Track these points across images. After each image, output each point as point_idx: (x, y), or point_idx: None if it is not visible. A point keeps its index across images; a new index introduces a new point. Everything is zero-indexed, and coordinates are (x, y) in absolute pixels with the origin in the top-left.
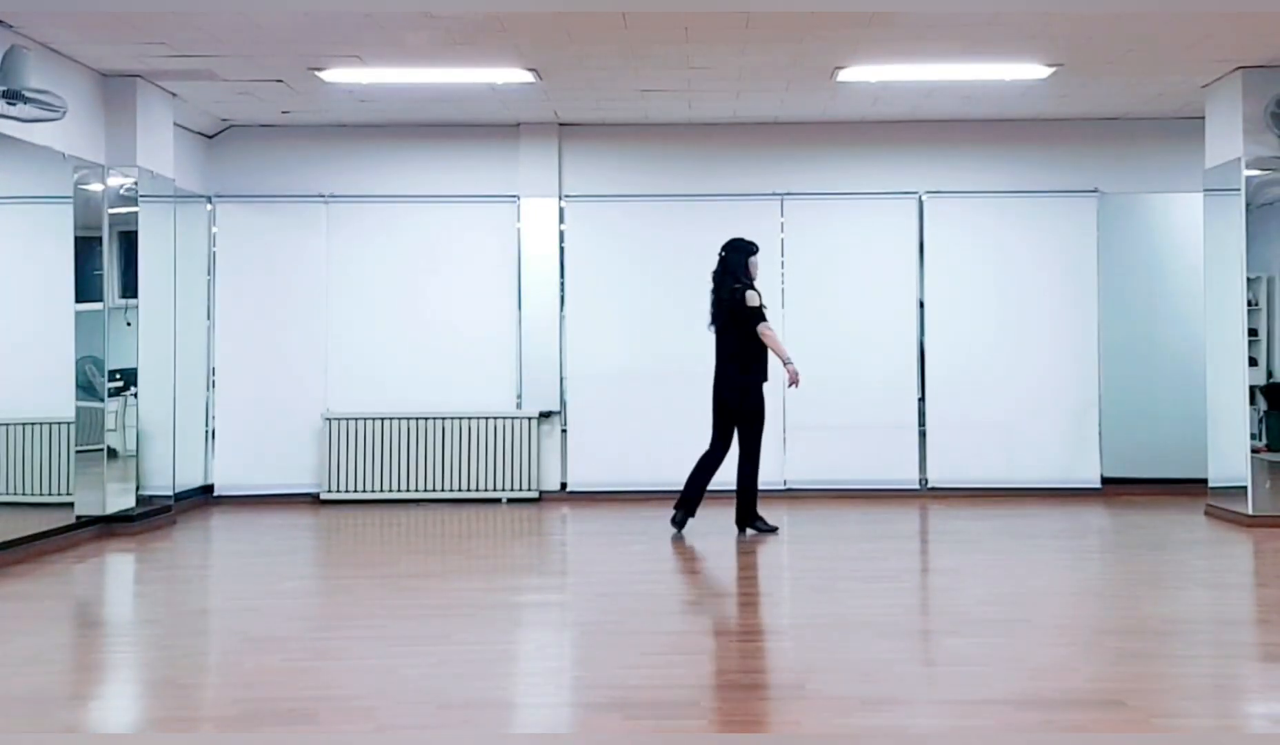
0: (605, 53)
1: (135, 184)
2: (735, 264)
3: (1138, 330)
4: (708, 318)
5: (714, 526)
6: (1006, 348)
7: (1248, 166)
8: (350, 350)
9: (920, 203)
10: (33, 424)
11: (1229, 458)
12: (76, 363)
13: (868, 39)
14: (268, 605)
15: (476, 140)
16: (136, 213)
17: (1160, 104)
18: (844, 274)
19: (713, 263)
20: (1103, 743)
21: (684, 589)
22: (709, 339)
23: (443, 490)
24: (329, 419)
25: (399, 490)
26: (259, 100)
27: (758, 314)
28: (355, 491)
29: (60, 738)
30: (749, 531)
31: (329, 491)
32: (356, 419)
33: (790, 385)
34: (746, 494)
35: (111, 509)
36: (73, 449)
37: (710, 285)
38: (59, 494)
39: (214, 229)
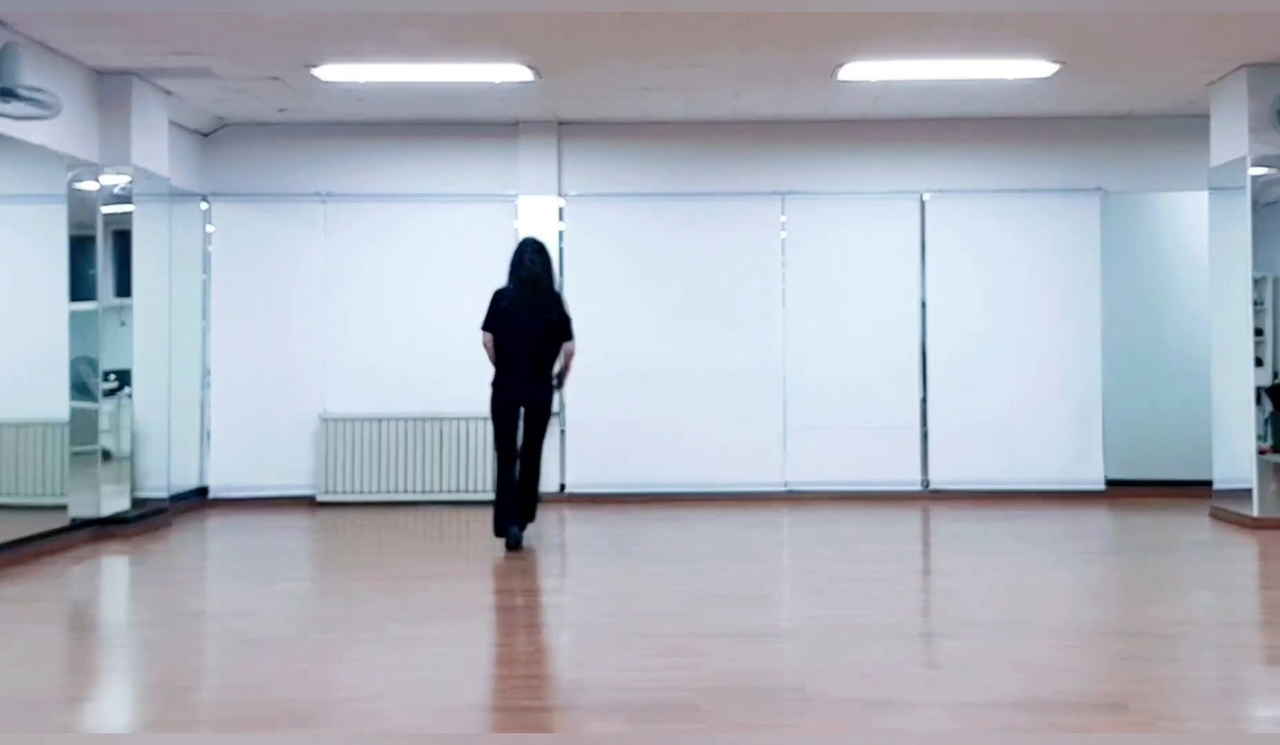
0: (605, 51)
1: (130, 183)
2: (551, 267)
3: (1142, 330)
4: (507, 318)
5: (715, 529)
6: (1009, 348)
7: (1253, 165)
8: (347, 350)
9: (922, 202)
10: (27, 425)
11: (1234, 459)
12: (71, 363)
13: (868, 37)
14: (263, 607)
15: (475, 139)
16: (131, 212)
17: (1164, 102)
18: (845, 274)
19: (712, 262)
20: None
21: (683, 590)
22: (710, 339)
23: (440, 492)
24: (325, 420)
25: (396, 492)
26: (255, 98)
27: (570, 325)
28: (352, 493)
29: (57, 739)
30: (514, 531)
31: (325, 493)
32: (353, 420)
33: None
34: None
35: (106, 511)
36: (67, 450)
37: (515, 283)
38: (53, 496)
39: (209, 228)
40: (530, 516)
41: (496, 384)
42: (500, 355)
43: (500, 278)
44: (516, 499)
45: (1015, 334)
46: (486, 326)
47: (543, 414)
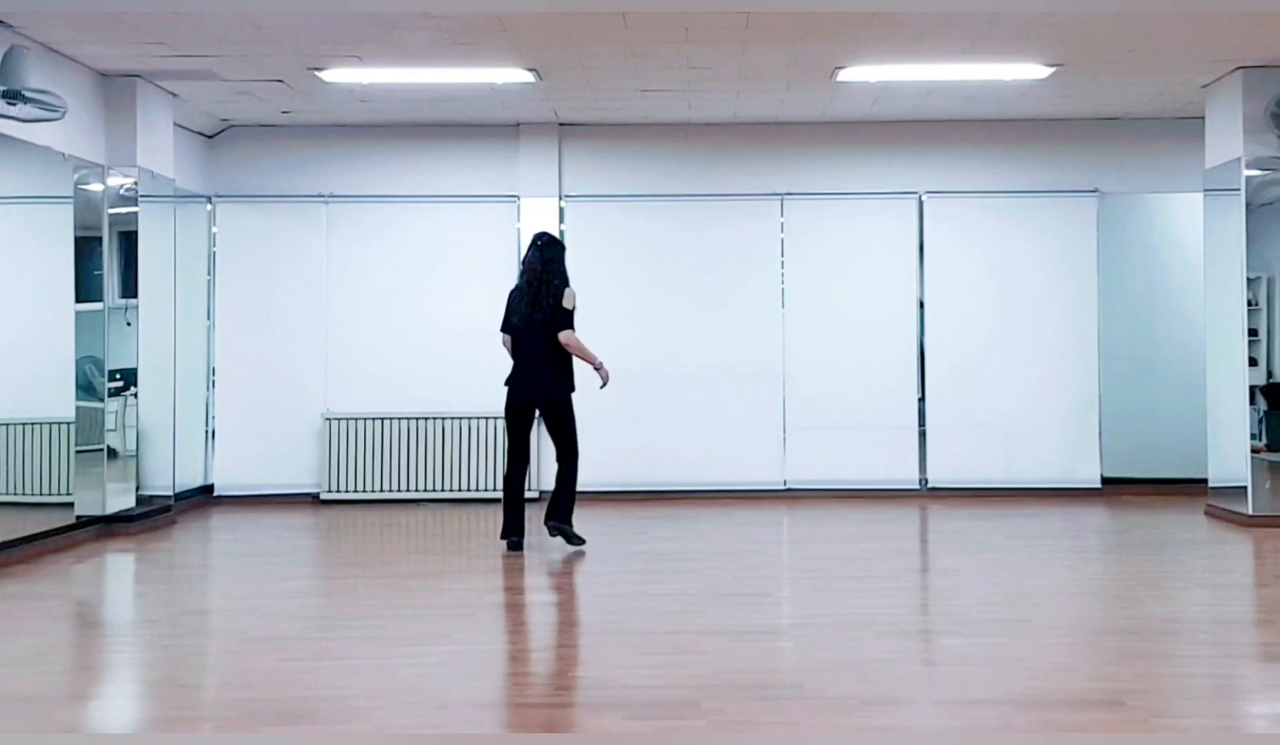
0: (605, 53)
1: (135, 184)
2: (561, 261)
3: (1138, 330)
4: (509, 316)
5: (714, 527)
6: (1006, 348)
7: (1248, 166)
8: (350, 350)
9: (920, 203)
10: (33, 424)
11: (1229, 458)
12: (77, 363)
13: (868, 39)
14: (267, 605)
15: (476, 140)
16: (136, 213)
17: (1160, 104)
18: (844, 274)
19: (712, 263)
20: (1102, 743)
21: (684, 589)
22: (710, 339)
23: (442, 490)
24: (329, 419)
25: (399, 490)
26: (259, 100)
27: (570, 317)
28: (355, 491)
29: (60, 738)
30: (514, 538)
31: (329, 491)
32: (356, 419)
33: (604, 386)
34: (572, 498)
35: (111, 509)
36: (73, 449)
37: (522, 280)
38: (59, 494)
39: (214, 229)
40: (554, 515)
41: (507, 383)
42: (513, 354)
43: (501, 278)
44: (554, 500)
45: (1013, 333)
46: (502, 327)
47: (552, 409)
